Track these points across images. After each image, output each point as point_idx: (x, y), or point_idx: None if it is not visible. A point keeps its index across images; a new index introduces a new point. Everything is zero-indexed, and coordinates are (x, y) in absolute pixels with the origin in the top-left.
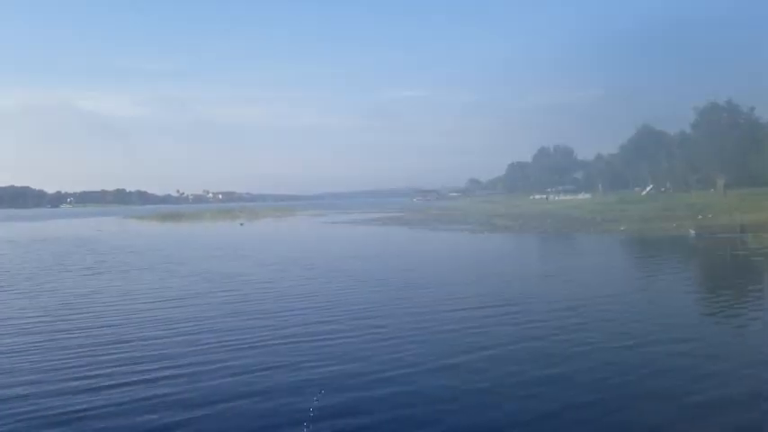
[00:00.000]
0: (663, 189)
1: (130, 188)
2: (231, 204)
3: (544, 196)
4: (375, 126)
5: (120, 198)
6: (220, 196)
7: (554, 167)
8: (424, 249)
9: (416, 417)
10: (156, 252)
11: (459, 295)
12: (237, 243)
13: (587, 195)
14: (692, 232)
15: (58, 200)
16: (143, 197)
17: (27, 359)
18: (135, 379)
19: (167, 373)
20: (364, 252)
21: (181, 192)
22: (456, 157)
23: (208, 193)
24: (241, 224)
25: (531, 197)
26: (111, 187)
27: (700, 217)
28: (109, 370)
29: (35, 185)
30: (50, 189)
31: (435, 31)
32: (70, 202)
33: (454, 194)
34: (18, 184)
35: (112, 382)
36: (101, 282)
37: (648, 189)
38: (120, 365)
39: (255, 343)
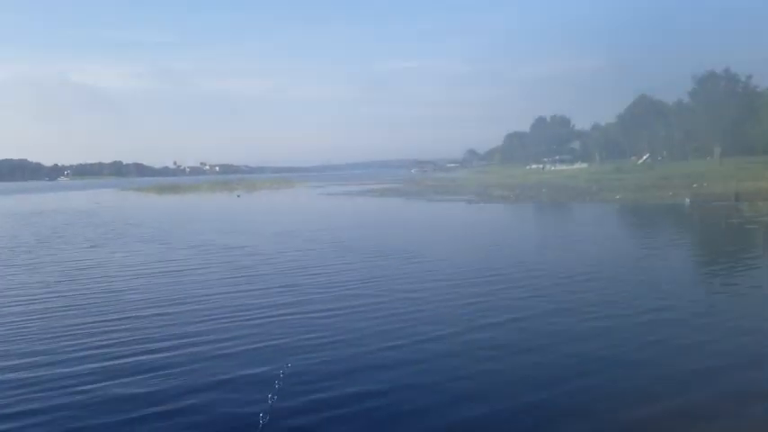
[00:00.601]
0: (659, 158)
1: (127, 161)
2: (229, 176)
3: (541, 166)
4: (373, 98)
5: (118, 170)
6: (218, 168)
7: (551, 137)
8: (421, 220)
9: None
10: (154, 224)
11: (457, 268)
12: (236, 215)
13: (584, 165)
14: (688, 201)
15: (55, 173)
16: (140, 169)
17: (30, 335)
18: (144, 358)
19: (178, 351)
20: (364, 223)
21: (178, 164)
22: (454, 128)
23: (205, 165)
24: (238, 196)
25: (528, 167)
26: (108, 160)
27: (695, 185)
28: (114, 348)
29: (32, 159)
30: (48, 162)
31: (435, 2)
32: (67, 175)
33: (451, 165)
34: (15, 157)
35: (119, 359)
36: (101, 254)
37: (645, 158)
38: (125, 341)
39: (264, 316)
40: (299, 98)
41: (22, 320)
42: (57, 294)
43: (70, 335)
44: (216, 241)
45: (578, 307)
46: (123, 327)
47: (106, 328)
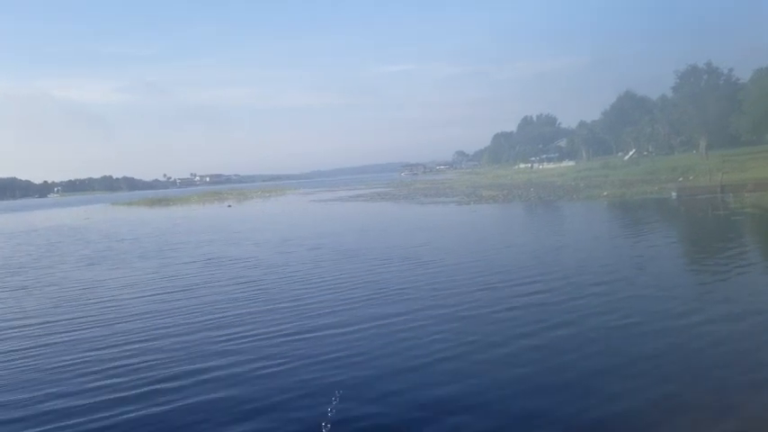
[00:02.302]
0: (645, 153)
1: (117, 175)
2: (219, 186)
3: (529, 165)
4: (361, 103)
5: (108, 185)
6: (208, 179)
7: (538, 136)
8: (417, 224)
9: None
10: (148, 238)
11: (468, 274)
12: (229, 226)
13: (571, 163)
14: (674, 194)
15: (45, 190)
16: (130, 183)
17: (31, 363)
18: (159, 387)
19: (198, 378)
20: (360, 229)
21: (168, 176)
22: (442, 131)
23: (195, 176)
24: (229, 206)
25: (516, 166)
26: (98, 175)
27: (681, 179)
28: (124, 377)
29: (21, 177)
30: (37, 180)
31: (420, 5)
32: (58, 192)
33: (441, 167)
34: (4, 175)
35: (130, 391)
36: (99, 272)
37: (631, 154)
38: (137, 369)
39: (284, 334)
40: (287, 106)
41: (22, 351)
42: (57, 319)
43: (75, 366)
44: (216, 254)
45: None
46: (137, 354)
47: (118, 357)
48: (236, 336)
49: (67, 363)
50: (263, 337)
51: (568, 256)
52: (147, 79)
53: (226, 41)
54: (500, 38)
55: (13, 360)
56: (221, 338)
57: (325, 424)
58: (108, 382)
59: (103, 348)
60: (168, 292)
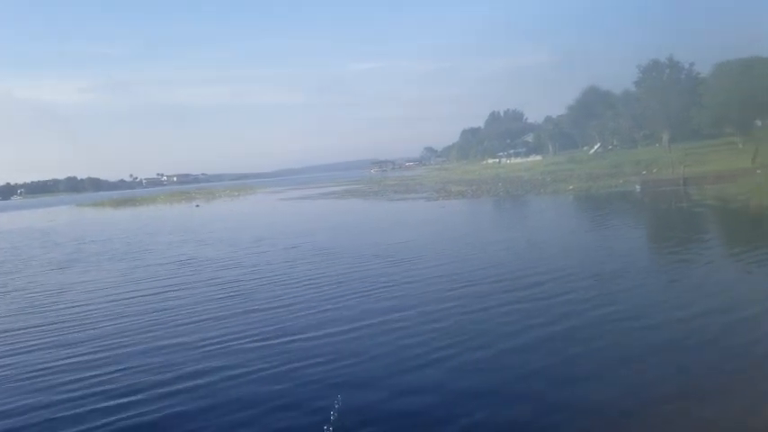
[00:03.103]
0: (610, 147)
1: (82, 176)
2: (186, 186)
3: (497, 160)
4: (329, 101)
5: (73, 186)
6: (175, 179)
7: (505, 132)
8: (390, 221)
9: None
10: (116, 240)
11: (455, 271)
12: (200, 226)
13: (538, 157)
14: (638, 187)
15: (8, 192)
16: (95, 184)
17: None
18: (140, 397)
19: (180, 385)
20: (332, 226)
21: (134, 176)
22: (412, 128)
23: (162, 176)
24: (197, 206)
25: (485, 162)
26: (62, 176)
27: (644, 172)
28: (105, 385)
29: None
30: None
31: (389, 4)
32: (21, 194)
33: (410, 164)
34: None
35: (109, 401)
36: (69, 276)
37: (596, 148)
38: (115, 377)
39: (270, 335)
40: (257, 104)
41: None
42: (25, 328)
43: (47, 372)
44: (190, 255)
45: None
46: (115, 361)
47: (94, 366)
48: (219, 339)
49: (44, 368)
50: (247, 339)
51: (539, 252)
52: (114, 79)
53: (195, 40)
54: (469, 36)
55: None
56: (203, 342)
57: (328, 428)
58: (85, 391)
59: (80, 356)
60: (144, 295)
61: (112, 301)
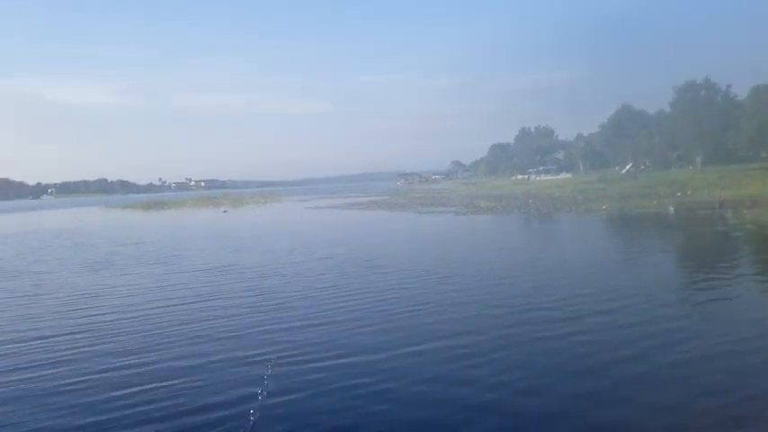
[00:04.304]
0: (642, 167)
1: (112, 178)
2: (214, 191)
3: (526, 177)
4: (356, 111)
5: (102, 188)
6: (203, 184)
7: (535, 148)
8: (423, 234)
9: None
10: (150, 243)
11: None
12: (229, 232)
13: (568, 175)
14: (672, 209)
15: (38, 191)
16: (125, 186)
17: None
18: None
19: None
20: (365, 236)
21: (163, 180)
22: (438, 140)
23: (190, 180)
24: (224, 211)
25: (513, 178)
26: (92, 177)
27: (679, 194)
28: (150, 404)
29: (15, 177)
30: (31, 181)
31: (422, 16)
32: (51, 193)
33: (436, 177)
34: None
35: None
36: (104, 279)
37: (628, 167)
38: (158, 393)
39: (320, 356)
40: (283, 112)
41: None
42: (62, 334)
43: (88, 383)
44: (224, 262)
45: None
46: (156, 375)
47: (130, 384)
48: (263, 355)
49: (84, 378)
50: (300, 358)
51: (593, 274)
52: (144, 82)
53: (221, 47)
54: (499, 49)
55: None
56: (247, 357)
57: None
58: (126, 412)
59: (116, 369)
60: (183, 303)
61: (152, 307)
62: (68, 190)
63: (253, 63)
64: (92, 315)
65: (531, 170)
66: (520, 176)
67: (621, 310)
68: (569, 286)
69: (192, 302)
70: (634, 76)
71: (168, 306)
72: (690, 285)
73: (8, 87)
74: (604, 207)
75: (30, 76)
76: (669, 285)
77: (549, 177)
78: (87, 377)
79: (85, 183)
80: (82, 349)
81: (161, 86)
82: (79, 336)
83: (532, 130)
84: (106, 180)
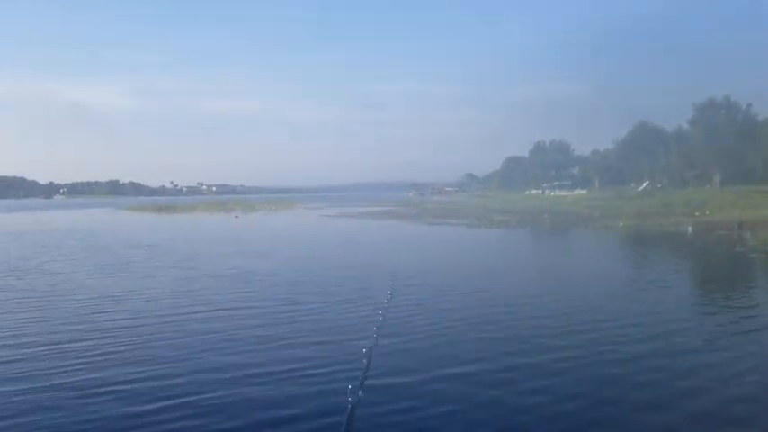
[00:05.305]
0: (659, 185)
1: (124, 180)
2: (225, 196)
3: (540, 191)
4: (369, 119)
5: (114, 189)
6: (214, 188)
7: (550, 163)
8: (443, 246)
9: None
10: (161, 247)
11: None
12: (245, 237)
13: (583, 191)
14: (690, 229)
15: (50, 191)
16: (137, 189)
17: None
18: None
19: None
20: (379, 244)
21: (175, 184)
22: (452, 152)
23: (202, 185)
24: (236, 216)
25: (527, 192)
26: (104, 179)
27: (697, 214)
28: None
29: (28, 176)
30: (43, 180)
31: (430, 22)
32: (63, 193)
33: (449, 189)
34: (10, 174)
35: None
36: (119, 282)
37: (645, 185)
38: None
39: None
40: (296, 120)
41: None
42: (80, 339)
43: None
44: (244, 268)
45: None
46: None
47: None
48: (298, 369)
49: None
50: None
51: (628, 294)
52: (158, 87)
53: (235, 53)
54: (512, 61)
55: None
56: (284, 372)
57: None
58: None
59: (145, 379)
60: (207, 310)
61: (174, 313)
62: (80, 190)
63: (267, 70)
64: (112, 319)
65: (545, 185)
66: (534, 191)
67: (673, 334)
68: (595, 309)
69: (217, 309)
70: (652, 92)
71: (193, 313)
72: (736, 310)
73: (23, 87)
74: (621, 224)
75: (45, 76)
76: (712, 310)
77: (563, 193)
78: (114, 385)
79: (97, 183)
80: (104, 356)
81: (177, 91)
82: (100, 341)
83: (547, 144)
84: (118, 182)
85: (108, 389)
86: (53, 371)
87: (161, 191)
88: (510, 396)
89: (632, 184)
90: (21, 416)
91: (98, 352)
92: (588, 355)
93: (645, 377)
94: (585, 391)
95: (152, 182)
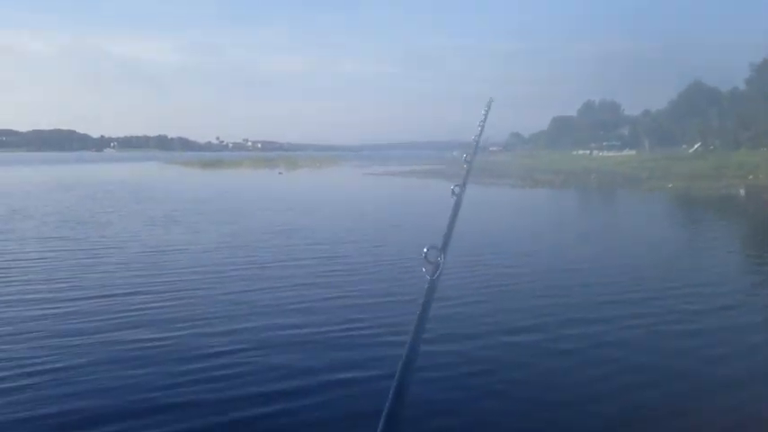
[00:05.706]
0: (711, 147)
1: (172, 135)
2: (271, 153)
3: (587, 152)
4: (415, 75)
5: (162, 144)
6: (260, 145)
7: (599, 122)
8: (477, 203)
9: None
10: (214, 201)
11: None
12: (293, 193)
13: (632, 152)
14: (742, 191)
15: (101, 144)
16: (184, 144)
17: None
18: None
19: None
20: (426, 208)
21: (221, 140)
22: (498, 109)
23: (247, 141)
24: (279, 173)
25: (575, 152)
26: (153, 133)
27: (750, 177)
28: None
29: (80, 130)
30: (94, 134)
31: None
32: (114, 147)
33: (494, 149)
34: (63, 127)
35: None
36: (172, 236)
37: (696, 147)
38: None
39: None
40: (341, 74)
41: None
42: (134, 293)
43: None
44: (296, 223)
45: None
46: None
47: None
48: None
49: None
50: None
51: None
52: (205, 41)
53: (284, 9)
54: (565, 16)
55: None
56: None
57: None
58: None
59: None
60: (263, 265)
61: (232, 268)
62: (130, 144)
63: (318, 24)
64: (165, 272)
65: (593, 145)
66: (582, 151)
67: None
68: (652, 277)
69: (270, 266)
70: (708, 49)
71: (249, 269)
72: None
73: (74, 42)
74: (670, 185)
75: (95, 30)
76: None
77: (611, 153)
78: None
79: (146, 138)
80: (143, 312)
81: (224, 46)
82: (153, 295)
83: (597, 103)
84: (166, 137)
85: (153, 344)
86: (104, 323)
87: (207, 146)
88: (576, 365)
89: (683, 146)
90: (74, 369)
91: (138, 309)
92: (652, 324)
93: (715, 351)
94: (653, 363)
95: (199, 137)
